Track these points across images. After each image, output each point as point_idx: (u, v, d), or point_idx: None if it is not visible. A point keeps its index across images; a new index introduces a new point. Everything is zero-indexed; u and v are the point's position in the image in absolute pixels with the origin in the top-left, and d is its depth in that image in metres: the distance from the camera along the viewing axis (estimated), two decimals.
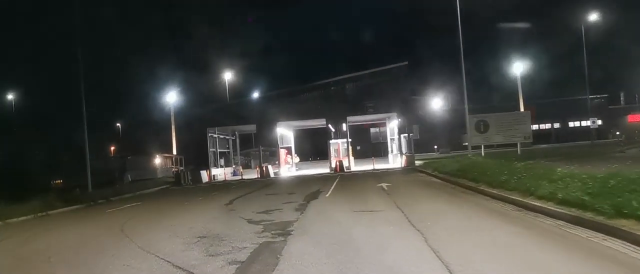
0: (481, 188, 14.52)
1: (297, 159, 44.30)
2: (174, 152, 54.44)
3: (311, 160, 68.07)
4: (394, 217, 10.79)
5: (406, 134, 37.53)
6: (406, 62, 36.32)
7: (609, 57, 59.21)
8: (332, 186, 21.03)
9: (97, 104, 74.02)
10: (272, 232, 9.80)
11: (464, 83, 28.12)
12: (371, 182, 21.74)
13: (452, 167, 21.13)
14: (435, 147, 64.74)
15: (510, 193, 12.26)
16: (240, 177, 35.25)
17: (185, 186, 31.38)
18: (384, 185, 19.36)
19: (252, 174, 36.77)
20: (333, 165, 34.61)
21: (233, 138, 44.97)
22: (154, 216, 14.94)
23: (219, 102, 41.38)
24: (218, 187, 27.23)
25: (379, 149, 63.26)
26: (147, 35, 79.98)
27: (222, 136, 41.64)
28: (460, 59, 27.87)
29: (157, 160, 50.57)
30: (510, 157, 25.98)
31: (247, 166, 47.99)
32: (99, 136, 70.49)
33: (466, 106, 28.69)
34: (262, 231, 9.98)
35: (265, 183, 26.85)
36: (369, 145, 67.38)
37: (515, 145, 31.89)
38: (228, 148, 44.63)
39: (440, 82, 60.16)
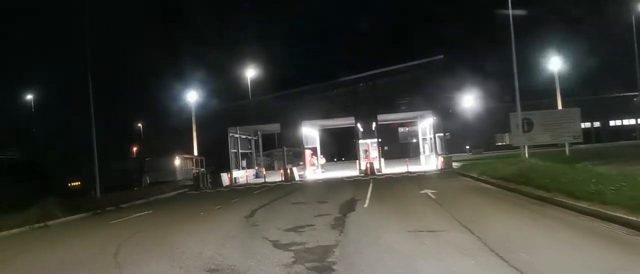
0: (558, 199, 11.70)
1: (322, 161, 41.74)
2: (195, 152, 52.55)
3: (335, 161, 65.49)
4: (465, 241, 8.14)
5: (441, 134, 34.71)
6: (441, 56, 33.38)
7: None
8: (367, 192, 18.39)
9: (119, 104, 72.88)
10: (307, 265, 7.24)
11: (516, 80, 25.22)
12: (412, 188, 19.07)
13: (507, 171, 18.27)
14: (467, 147, 61.49)
15: (611, 209, 9.47)
16: (263, 180, 32.85)
17: (204, 189, 29.08)
18: (429, 192, 16.66)
19: (276, 177, 34.35)
20: (363, 167, 31.95)
21: (255, 138, 42.67)
22: (162, 232, 12.51)
23: (240, 100, 38.99)
24: (239, 192, 24.83)
25: (407, 150, 60.41)
26: (167, 33, 78.41)
27: (244, 136, 39.33)
28: (511, 57, 24.96)
29: (177, 161, 48.49)
30: (563, 159, 23.07)
31: (269, 168, 45.60)
32: (119, 137, 69.29)
33: (518, 103, 25.77)
34: (293, 263, 7.44)
35: (291, 188, 24.34)
36: (396, 145, 64.49)
37: (554, 145, 28.87)
38: (250, 149, 42.33)
39: (470, 78, 57.01)
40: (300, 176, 32.98)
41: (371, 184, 22.28)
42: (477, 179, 20.82)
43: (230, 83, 47.66)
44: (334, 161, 65.21)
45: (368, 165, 31.19)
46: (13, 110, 58.31)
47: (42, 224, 15.77)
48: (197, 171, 52.55)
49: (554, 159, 20.79)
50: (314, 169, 37.70)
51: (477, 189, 17.50)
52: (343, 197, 16.93)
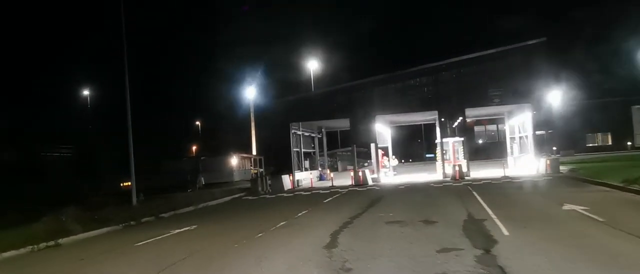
0: None
1: (395, 162, 36.67)
2: (253, 152, 48.80)
3: (403, 162, 60.04)
4: None
5: (542, 131, 29.06)
6: (544, 38, 27.70)
7: None
8: (482, 206, 13.38)
9: (177, 102, 70.65)
10: None
11: None
12: (541, 201, 13.95)
13: None
14: (554, 149, 54.40)
15: None
16: (330, 184, 28.30)
17: (263, 194, 24.88)
18: (578, 209, 11.53)
19: (343, 179, 29.76)
20: (449, 171, 26.82)
21: (319, 136, 38.23)
22: (196, 270, 8.12)
23: (303, 93, 34.63)
24: (305, 199, 20.37)
25: (487, 151, 53.98)
26: (227, 22, 75.52)
27: (307, 133, 34.99)
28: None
29: (234, 161, 44.84)
30: None
31: (332, 169, 40.88)
32: (178, 136, 66.95)
33: None
34: None
35: (370, 196, 19.62)
36: (473, 145, 58.21)
37: None
38: (313, 148, 37.94)
39: (561, 70, 50.03)
40: (373, 179, 28.24)
41: (475, 193, 17.16)
42: (626, 190, 15.29)
43: (292, 76, 43.44)
44: (401, 162, 59.92)
45: (456, 168, 26.01)
46: (69, 106, 56.66)
47: (52, 242, 11.82)
48: (255, 171, 48.94)
49: None
50: (386, 172, 32.75)
51: None
52: (454, 214, 12.04)
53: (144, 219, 15.85)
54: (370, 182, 27.37)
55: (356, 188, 24.54)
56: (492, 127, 55.03)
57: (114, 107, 58.21)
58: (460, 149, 29.13)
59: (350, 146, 62.57)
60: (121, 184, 43.81)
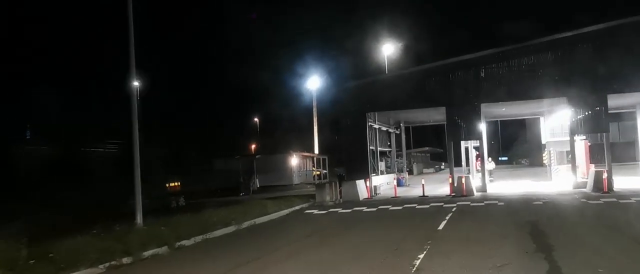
0: None
1: (492, 165, 29.09)
2: (316, 150, 42.54)
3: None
4: None
5: None
6: None
7: None
8: None
9: (234, 97, 65.46)
10: None
11: None
12: None
13: None
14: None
15: None
16: (418, 192, 21.37)
17: (331, 206, 18.35)
18: None
19: (428, 186, 22.89)
20: (591, 179, 19.27)
21: (397, 132, 31.22)
22: None
23: (382, 74, 27.68)
24: (401, 219, 13.74)
25: (616, 152, 42.90)
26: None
27: (384, 128, 28.16)
28: None
29: (294, 161, 38.64)
30: None
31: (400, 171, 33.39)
32: (236, 133, 61.72)
33: None
34: None
35: (500, 217, 12.72)
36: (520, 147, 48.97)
37: None
38: (389, 146, 31.03)
39: None
40: (477, 188, 21.09)
41: None
42: None
43: (362, 65, 36.58)
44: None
45: (601, 176, 18.49)
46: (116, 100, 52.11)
47: None
48: (318, 173, 42.72)
49: None
50: (481, 178, 25.15)
51: None
52: None
53: (147, 253, 9.59)
54: (475, 193, 20.24)
55: (462, 201, 17.45)
56: (629, 123, 41.77)
57: (163, 100, 53.76)
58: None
59: (427, 146, 55.66)
60: (167, 185, 38.82)
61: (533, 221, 11.58)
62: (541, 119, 32.97)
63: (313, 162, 41.70)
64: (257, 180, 35.20)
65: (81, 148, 40.94)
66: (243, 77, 68.51)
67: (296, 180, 37.20)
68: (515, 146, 74.15)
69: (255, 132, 67.23)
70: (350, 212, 16.07)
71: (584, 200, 15.84)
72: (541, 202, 15.66)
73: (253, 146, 62.21)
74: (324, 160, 40.77)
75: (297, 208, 17.92)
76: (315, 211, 16.94)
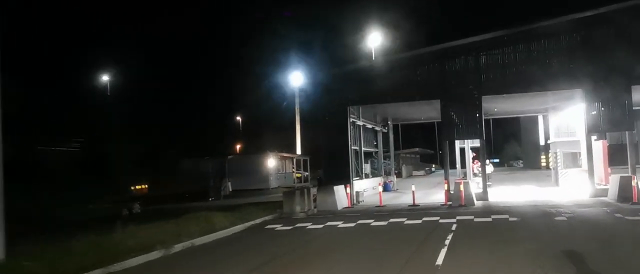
0: None
1: (491, 168, 25.83)
2: (298, 151, 39.04)
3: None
4: None
5: None
6: None
7: None
8: None
9: (218, 96, 61.81)
10: None
11: None
12: None
13: None
14: None
15: None
16: (408, 200, 18.01)
17: (301, 217, 14.94)
18: None
19: (419, 192, 19.57)
20: (615, 186, 16.00)
21: (384, 130, 27.81)
22: None
23: (366, 61, 24.16)
24: (381, 242, 10.30)
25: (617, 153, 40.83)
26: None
27: (370, 126, 24.76)
28: None
29: (271, 162, 35.07)
30: None
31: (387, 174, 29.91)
32: (220, 133, 58.03)
33: None
34: None
35: (529, 244, 9.34)
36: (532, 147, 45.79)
37: None
38: (376, 146, 27.60)
39: None
40: (477, 195, 17.77)
41: None
42: None
43: (355, 53, 32.93)
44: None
45: (633, 183, 15.22)
46: (86, 98, 48.13)
47: None
48: (299, 175, 39.26)
49: None
50: (478, 182, 21.72)
51: None
52: None
53: None
54: (475, 202, 16.88)
55: (462, 213, 14.03)
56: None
57: (134, 99, 49.96)
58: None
59: (417, 146, 52.35)
60: (132, 188, 35.19)
61: (572, 252, 8.14)
62: (540, 117, 29.90)
63: (293, 164, 38.19)
64: (229, 183, 31.75)
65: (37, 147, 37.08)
66: (228, 76, 65.05)
67: (274, 183, 33.73)
68: (507, 147, 71.17)
69: (237, 132, 63.75)
70: (321, 229, 12.59)
71: (619, 215, 12.47)
72: (564, 218, 12.27)
73: (238, 147, 58.73)
74: (304, 161, 37.27)
75: (257, 221, 14.41)
76: (279, 227, 13.44)
